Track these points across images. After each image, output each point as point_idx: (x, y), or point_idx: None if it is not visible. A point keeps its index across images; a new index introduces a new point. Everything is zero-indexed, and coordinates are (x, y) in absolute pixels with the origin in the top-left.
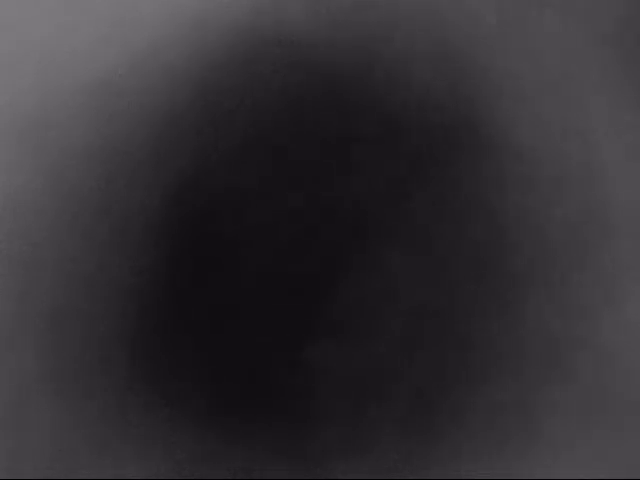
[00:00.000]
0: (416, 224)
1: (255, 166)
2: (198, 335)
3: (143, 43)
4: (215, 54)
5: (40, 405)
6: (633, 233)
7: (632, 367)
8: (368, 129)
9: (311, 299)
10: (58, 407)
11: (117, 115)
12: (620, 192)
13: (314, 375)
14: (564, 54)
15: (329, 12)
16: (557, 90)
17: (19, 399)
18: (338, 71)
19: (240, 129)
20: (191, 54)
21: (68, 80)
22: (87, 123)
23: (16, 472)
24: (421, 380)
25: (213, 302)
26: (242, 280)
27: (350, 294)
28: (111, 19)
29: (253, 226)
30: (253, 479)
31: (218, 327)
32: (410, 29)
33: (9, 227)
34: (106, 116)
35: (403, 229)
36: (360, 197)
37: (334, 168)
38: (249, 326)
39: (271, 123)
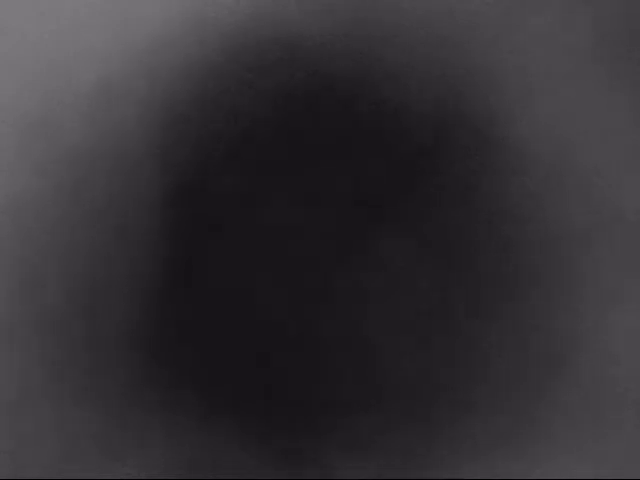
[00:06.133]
0: (416, 223)
1: (255, 166)
2: (199, 336)
3: (143, 43)
4: (215, 54)
5: (42, 405)
6: (634, 232)
7: (634, 367)
8: (368, 128)
9: (310, 299)
10: (60, 407)
11: (117, 115)
12: (620, 191)
13: (313, 375)
14: (564, 53)
15: (329, 12)
16: (557, 90)
17: (20, 399)
18: (338, 71)
19: (240, 129)
20: (191, 54)
21: (69, 80)
22: (88, 123)
23: (18, 472)
24: (422, 379)
25: (214, 303)
26: (242, 281)
27: (351, 295)
28: (111, 19)
29: (254, 226)
30: (254, 479)
31: (219, 327)
32: (411, 29)
33: (10, 228)
34: (107, 116)
35: (403, 228)
36: (360, 196)
37: (334, 167)
38: (249, 327)
39: (271, 123)
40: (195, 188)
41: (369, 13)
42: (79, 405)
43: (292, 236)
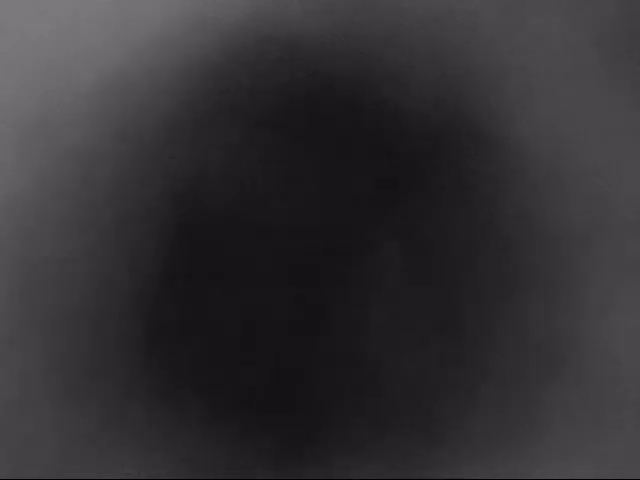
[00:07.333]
0: (417, 223)
1: (255, 166)
2: (199, 336)
3: (143, 43)
4: (215, 54)
5: (42, 405)
6: (634, 232)
7: (634, 367)
8: (368, 128)
9: (310, 299)
10: (60, 407)
11: (117, 115)
12: (620, 191)
13: (313, 375)
14: (564, 53)
15: (329, 12)
16: (557, 90)
17: (20, 399)
18: (338, 71)
19: (240, 129)
20: (191, 54)
21: (69, 80)
22: (88, 123)
23: (18, 472)
24: (422, 379)
25: (215, 305)
26: (242, 283)
27: (351, 295)
28: (112, 19)
29: (253, 225)
30: (253, 479)
31: (219, 328)
32: (411, 29)
33: (10, 228)
34: (107, 116)
35: (403, 228)
36: (360, 196)
37: (334, 167)
38: (249, 327)
39: (272, 123)
40: (195, 188)
41: (369, 13)
42: (79, 405)
43: (292, 236)
